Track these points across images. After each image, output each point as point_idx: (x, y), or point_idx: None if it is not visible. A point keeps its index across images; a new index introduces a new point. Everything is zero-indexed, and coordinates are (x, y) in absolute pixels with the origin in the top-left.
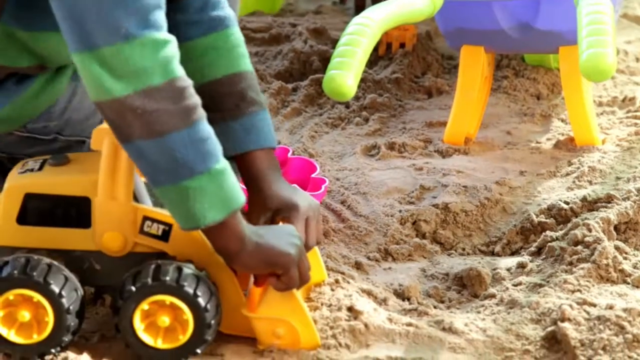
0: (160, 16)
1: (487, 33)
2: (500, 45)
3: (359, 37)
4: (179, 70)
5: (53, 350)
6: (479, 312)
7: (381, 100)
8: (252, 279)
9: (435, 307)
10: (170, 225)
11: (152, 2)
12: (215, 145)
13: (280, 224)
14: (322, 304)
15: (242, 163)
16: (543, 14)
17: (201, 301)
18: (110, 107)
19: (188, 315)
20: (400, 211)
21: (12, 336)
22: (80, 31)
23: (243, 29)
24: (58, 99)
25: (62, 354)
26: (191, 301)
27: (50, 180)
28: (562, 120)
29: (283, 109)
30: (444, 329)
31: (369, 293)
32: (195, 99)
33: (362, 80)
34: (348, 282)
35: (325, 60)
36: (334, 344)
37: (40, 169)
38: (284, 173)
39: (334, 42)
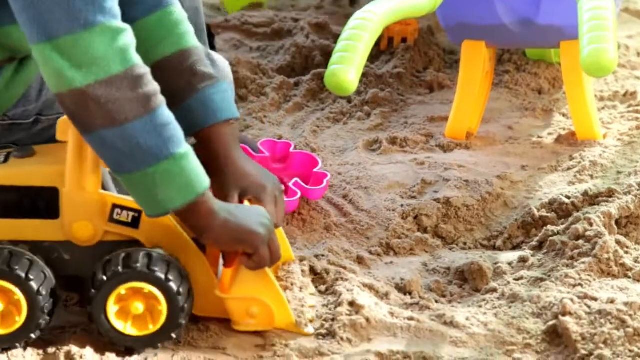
0: (115, 4)
1: (488, 28)
2: (502, 40)
3: (361, 32)
4: (137, 58)
5: (33, 335)
6: (480, 307)
7: (383, 95)
8: (221, 261)
9: (436, 302)
10: (139, 212)
11: None
12: (177, 130)
13: (247, 203)
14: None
15: (203, 140)
16: (544, 8)
17: (173, 285)
18: (71, 98)
19: (161, 300)
20: (402, 205)
21: None
22: (38, 22)
23: (245, 23)
24: (31, 84)
25: (65, 348)
26: (163, 286)
27: (17, 171)
28: (564, 115)
29: (285, 103)
30: (445, 323)
31: (370, 287)
32: (154, 86)
33: (364, 75)
34: (348, 277)
35: (327, 55)
36: (336, 338)
37: (5, 161)
38: (286, 167)
39: (336, 37)
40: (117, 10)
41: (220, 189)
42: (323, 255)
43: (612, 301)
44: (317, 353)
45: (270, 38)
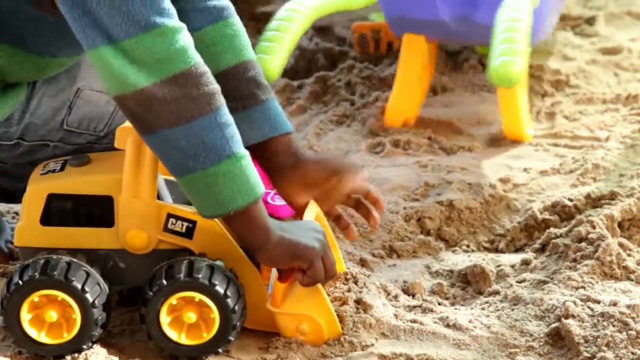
0: (170, 5)
1: (427, 23)
2: (441, 35)
3: (288, 23)
4: (198, 56)
5: (85, 347)
6: (483, 309)
7: (385, 97)
8: (274, 273)
9: (439, 304)
10: (194, 222)
11: None
12: (237, 131)
13: (313, 206)
14: (335, 298)
15: (266, 150)
16: (482, 8)
17: (230, 302)
18: (134, 99)
19: (215, 314)
20: (404, 208)
21: (43, 337)
22: (97, 27)
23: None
24: (15, 108)
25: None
26: (221, 301)
27: (73, 180)
28: (566, 118)
29: (288, 106)
30: (448, 326)
31: (384, 288)
32: (216, 85)
33: (367, 77)
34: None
35: (330, 57)
36: (339, 341)
37: (62, 169)
38: None
39: (340, 40)
40: (173, 10)
41: (298, 187)
42: None
43: (614, 304)
44: (320, 355)
45: None
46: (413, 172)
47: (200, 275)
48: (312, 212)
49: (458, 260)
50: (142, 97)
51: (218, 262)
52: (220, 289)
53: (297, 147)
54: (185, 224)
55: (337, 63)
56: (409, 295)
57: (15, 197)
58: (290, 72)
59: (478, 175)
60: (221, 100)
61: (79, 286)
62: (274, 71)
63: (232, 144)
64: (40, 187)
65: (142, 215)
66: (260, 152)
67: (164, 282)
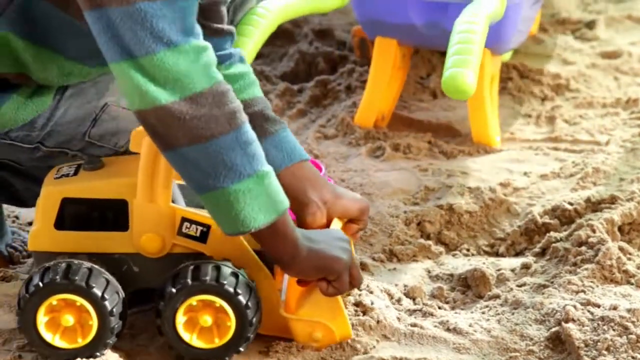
0: (196, 23)
1: (399, 27)
2: (413, 39)
3: (252, 28)
4: (220, 75)
5: (98, 353)
6: (483, 313)
7: None
8: (287, 278)
9: (439, 308)
10: (208, 227)
11: (190, 11)
12: (260, 149)
13: (337, 222)
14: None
15: (283, 179)
16: (451, 14)
17: (250, 313)
18: (154, 115)
19: (232, 322)
20: (404, 212)
21: (57, 341)
22: (120, 42)
23: None
24: (40, 113)
25: None
26: (241, 309)
27: (87, 184)
28: (566, 122)
29: (288, 110)
30: (448, 330)
31: (387, 292)
32: (238, 103)
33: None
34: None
35: (330, 61)
36: (340, 344)
37: (75, 173)
38: None
39: (340, 44)
40: (199, 29)
41: (312, 219)
42: None
43: (614, 308)
44: (321, 359)
45: (274, 44)
46: (413, 176)
47: (226, 282)
48: (337, 226)
49: (458, 264)
50: (162, 114)
51: (242, 271)
52: (242, 299)
53: (313, 175)
54: (200, 228)
55: (337, 67)
56: (409, 299)
57: (26, 201)
58: (290, 76)
59: (478, 179)
60: (242, 118)
61: (99, 293)
62: None
63: (254, 162)
64: (54, 191)
65: (156, 219)
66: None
67: (189, 281)
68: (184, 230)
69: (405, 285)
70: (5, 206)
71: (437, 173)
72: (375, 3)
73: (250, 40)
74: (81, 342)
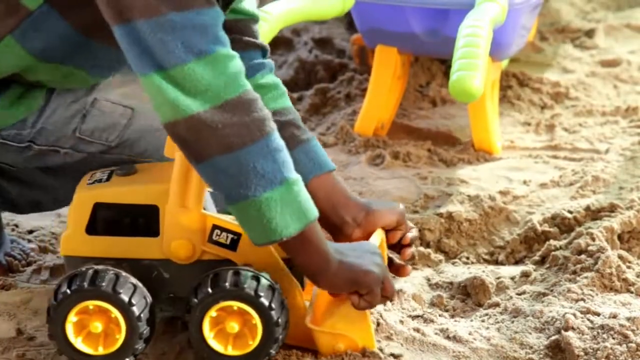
0: (223, 33)
1: (400, 35)
2: (413, 47)
3: None
4: (248, 83)
5: (128, 359)
6: (483, 321)
7: None
8: (315, 288)
9: (439, 316)
10: (239, 235)
11: (217, 20)
12: (288, 156)
13: (379, 234)
14: None
15: (313, 189)
16: (452, 22)
17: (274, 314)
18: (185, 126)
19: (258, 325)
20: None
21: (85, 347)
22: (150, 54)
23: None
24: (32, 111)
25: None
26: (264, 312)
27: (119, 189)
28: (566, 130)
29: None
30: (448, 338)
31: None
32: (267, 111)
33: (367, 89)
34: None
35: (330, 69)
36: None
37: (108, 179)
38: None
39: (339, 52)
40: (226, 39)
41: (347, 231)
42: None
43: (614, 316)
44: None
45: (274, 52)
46: (413, 184)
47: (246, 285)
48: (378, 237)
49: (458, 272)
50: (192, 124)
51: (264, 274)
52: (265, 301)
53: (344, 188)
54: (230, 235)
55: (337, 75)
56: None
57: (20, 207)
58: (290, 84)
59: (478, 187)
60: (272, 126)
61: (127, 299)
62: None
63: (284, 170)
64: (86, 196)
65: (187, 226)
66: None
67: (209, 290)
68: (214, 237)
69: (404, 293)
70: (4, 214)
71: (436, 181)
72: (376, 11)
73: None
74: (109, 348)
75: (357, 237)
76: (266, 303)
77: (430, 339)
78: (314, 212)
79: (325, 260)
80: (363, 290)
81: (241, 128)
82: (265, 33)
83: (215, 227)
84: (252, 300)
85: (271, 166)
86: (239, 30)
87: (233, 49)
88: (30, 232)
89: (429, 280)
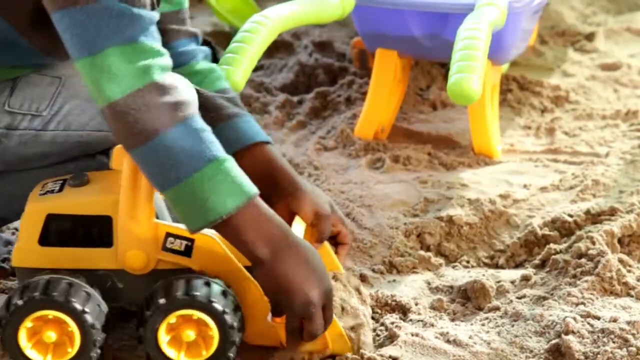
0: (155, 28)
1: (399, 39)
2: (413, 51)
3: (253, 35)
4: (161, 76)
5: None
6: (483, 325)
7: None
8: None
9: (439, 319)
10: (192, 241)
11: (150, 16)
12: (215, 137)
13: (299, 222)
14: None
15: (251, 156)
16: (452, 25)
17: (228, 318)
18: (110, 113)
19: (214, 331)
20: (404, 224)
21: (39, 357)
22: (79, 40)
23: None
24: None
25: None
26: (219, 318)
27: (72, 200)
28: (566, 134)
29: (288, 121)
30: (448, 341)
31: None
32: (188, 95)
33: (367, 93)
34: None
35: (330, 73)
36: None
37: (60, 190)
38: None
39: (339, 56)
40: (157, 35)
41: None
42: None
43: (614, 320)
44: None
45: (274, 56)
46: (413, 187)
47: (198, 293)
48: (301, 226)
49: (458, 275)
50: (117, 110)
51: (216, 280)
52: (218, 306)
53: (277, 157)
54: (184, 242)
55: (337, 78)
56: (409, 310)
57: None
58: (290, 88)
59: (478, 190)
60: (194, 108)
61: (80, 307)
62: (237, 83)
63: (212, 148)
64: (38, 207)
65: (140, 236)
66: (247, 159)
67: (162, 301)
68: (168, 245)
69: (402, 297)
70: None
71: (436, 185)
72: (376, 15)
73: (251, 47)
74: (70, 355)
75: (281, 213)
76: (220, 308)
77: (431, 343)
78: (253, 188)
79: (278, 237)
80: (291, 309)
81: (161, 112)
82: (263, 37)
83: (168, 235)
84: (206, 307)
85: (198, 146)
86: (172, 20)
87: (166, 38)
88: None
89: (429, 283)
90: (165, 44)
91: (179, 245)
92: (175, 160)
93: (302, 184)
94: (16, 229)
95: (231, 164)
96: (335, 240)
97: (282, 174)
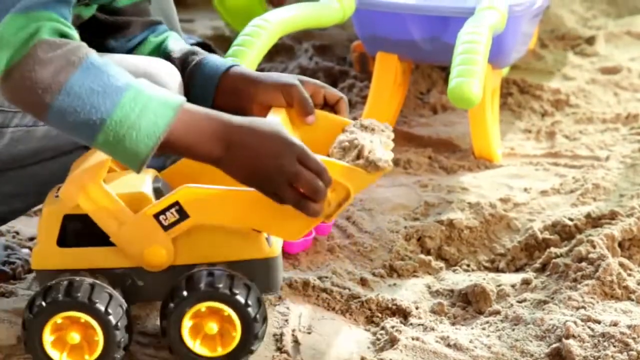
0: (66, 9)
1: (399, 42)
2: (414, 55)
3: (253, 39)
4: (57, 30)
5: None
6: (483, 329)
7: None
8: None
9: (440, 323)
10: (177, 202)
11: None
12: (121, 68)
13: (274, 111)
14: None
15: (226, 84)
16: (452, 29)
17: (251, 311)
18: (9, 84)
19: (237, 324)
20: (405, 227)
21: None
22: None
23: None
24: None
25: None
26: (242, 310)
27: None
28: (566, 137)
29: None
30: (449, 345)
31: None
32: (79, 42)
33: (367, 96)
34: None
35: (330, 77)
36: None
37: None
38: None
39: (340, 59)
40: (67, 14)
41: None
42: (327, 277)
43: (615, 324)
44: None
45: (274, 59)
46: (413, 191)
47: (220, 285)
48: (278, 114)
49: (458, 279)
50: (14, 78)
51: (238, 274)
52: (240, 298)
53: (247, 72)
54: (173, 209)
55: (337, 82)
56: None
57: None
58: None
59: (478, 194)
60: (88, 49)
61: (103, 308)
62: None
63: (122, 77)
64: (55, 209)
65: (140, 230)
66: (220, 95)
67: (185, 293)
68: (164, 223)
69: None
70: None
71: (437, 188)
72: (376, 18)
73: (251, 51)
74: (94, 356)
75: (260, 114)
76: (242, 300)
77: (431, 347)
78: (176, 97)
79: (222, 132)
80: (276, 160)
81: (56, 64)
82: (264, 40)
83: (156, 215)
84: (228, 299)
85: (107, 79)
86: (138, 12)
87: (131, 30)
88: (31, 239)
89: (429, 287)
90: (130, 36)
91: (172, 215)
92: (92, 104)
93: (261, 77)
94: (17, 233)
95: (144, 84)
96: (330, 107)
97: (246, 82)
